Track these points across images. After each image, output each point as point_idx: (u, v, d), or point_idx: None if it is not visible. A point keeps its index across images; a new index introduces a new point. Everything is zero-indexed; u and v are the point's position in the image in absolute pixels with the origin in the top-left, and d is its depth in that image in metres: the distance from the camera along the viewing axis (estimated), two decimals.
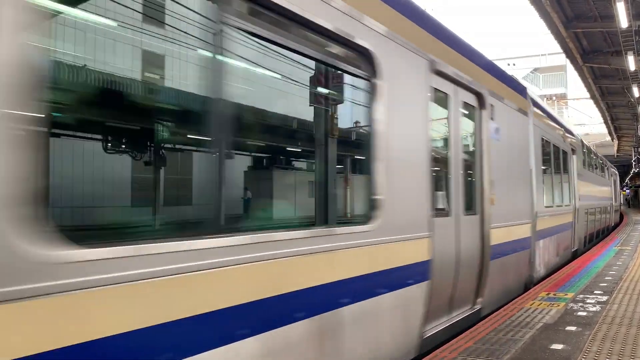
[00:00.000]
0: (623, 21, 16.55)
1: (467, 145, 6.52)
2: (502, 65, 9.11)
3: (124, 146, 11.39)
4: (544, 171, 10.00)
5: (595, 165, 20.34)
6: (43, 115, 2.13)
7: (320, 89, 4.50)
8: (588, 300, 6.84)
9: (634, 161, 48.27)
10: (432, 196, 5.18)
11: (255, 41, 3.38)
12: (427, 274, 4.96)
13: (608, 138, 52.38)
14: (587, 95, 36.71)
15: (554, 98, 60.23)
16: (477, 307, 6.31)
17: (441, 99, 5.71)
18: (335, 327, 3.76)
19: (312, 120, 4.66)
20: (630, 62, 20.45)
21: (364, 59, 4.26)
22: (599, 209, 19.43)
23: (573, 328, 5.41)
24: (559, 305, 6.54)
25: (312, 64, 4.24)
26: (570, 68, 33.33)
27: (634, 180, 66.19)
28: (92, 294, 2.21)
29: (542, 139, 9.83)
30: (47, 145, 2.25)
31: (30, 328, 2.02)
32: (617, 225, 27.07)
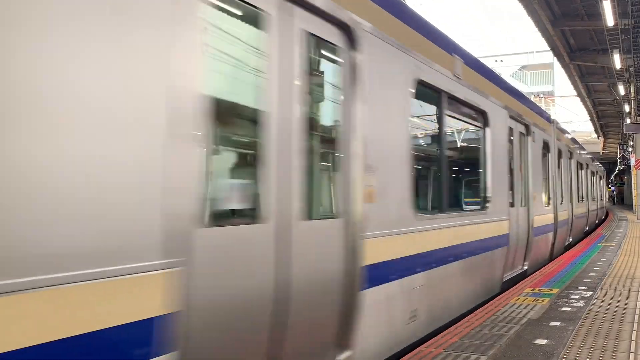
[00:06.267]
0: (609, 19, 16.71)
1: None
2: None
3: None
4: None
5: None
6: None
7: None
8: (572, 296, 6.92)
9: (619, 159, 48.78)
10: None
11: None
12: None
13: (594, 135, 52.90)
14: (574, 93, 37.05)
15: (541, 95, 60.67)
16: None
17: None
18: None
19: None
20: (616, 61, 20.66)
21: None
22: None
23: (557, 323, 5.46)
24: (543, 301, 6.60)
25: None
26: (557, 66, 33.59)
27: (619, 177, 66.96)
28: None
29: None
30: None
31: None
32: (602, 222, 27.27)
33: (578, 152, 17.71)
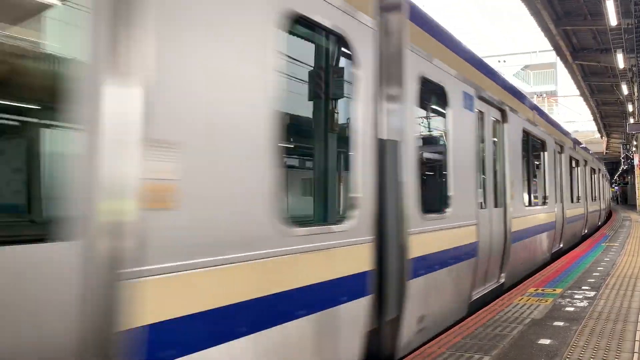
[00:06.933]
0: (612, 19, 16.69)
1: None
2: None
3: None
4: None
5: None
6: None
7: None
8: (576, 296, 6.90)
9: (622, 159, 48.68)
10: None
11: None
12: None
13: (597, 135, 52.82)
14: (577, 92, 37.00)
15: (544, 95, 60.62)
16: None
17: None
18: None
19: None
20: (619, 60, 20.64)
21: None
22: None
23: (561, 323, 5.46)
24: (547, 301, 6.60)
25: None
26: (560, 65, 33.55)
27: (622, 177, 66.83)
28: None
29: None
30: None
31: None
32: (605, 222, 27.07)
33: (541, 126, 11.23)
